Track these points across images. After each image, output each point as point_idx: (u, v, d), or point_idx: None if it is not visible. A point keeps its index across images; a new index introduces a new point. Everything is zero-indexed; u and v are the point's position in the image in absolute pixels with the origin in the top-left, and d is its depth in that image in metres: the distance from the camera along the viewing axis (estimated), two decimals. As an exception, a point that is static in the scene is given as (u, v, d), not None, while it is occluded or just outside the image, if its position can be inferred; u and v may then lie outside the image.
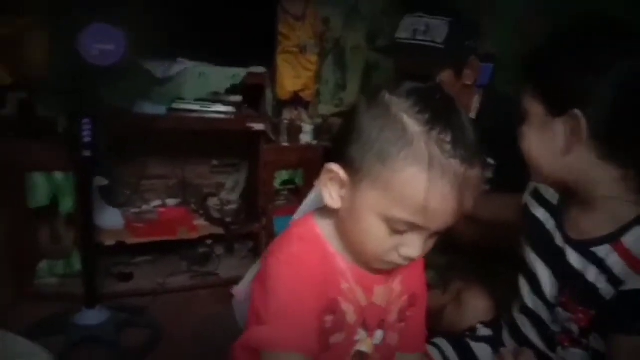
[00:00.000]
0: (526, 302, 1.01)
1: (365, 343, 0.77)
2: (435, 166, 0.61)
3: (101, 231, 2.05)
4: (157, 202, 2.46)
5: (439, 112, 0.63)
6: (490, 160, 1.42)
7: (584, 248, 0.87)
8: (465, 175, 0.63)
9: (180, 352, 1.73)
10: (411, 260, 0.68)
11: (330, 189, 0.70)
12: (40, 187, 1.90)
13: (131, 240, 2.13)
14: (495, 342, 1.10)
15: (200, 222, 2.40)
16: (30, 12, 1.68)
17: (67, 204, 1.96)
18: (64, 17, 1.48)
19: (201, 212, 2.46)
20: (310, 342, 0.69)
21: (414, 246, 0.67)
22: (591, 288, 0.84)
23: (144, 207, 2.41)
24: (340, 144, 0.69)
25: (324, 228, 0.74)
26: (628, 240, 0.81)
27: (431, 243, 0.70)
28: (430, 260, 1.29)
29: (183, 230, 2.27)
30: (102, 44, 1.46)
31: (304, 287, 0.69)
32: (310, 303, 0.69)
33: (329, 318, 0.72)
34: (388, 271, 0.75)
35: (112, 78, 1.54)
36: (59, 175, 1.92)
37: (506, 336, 1.08)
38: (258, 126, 2.20)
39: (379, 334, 0.78)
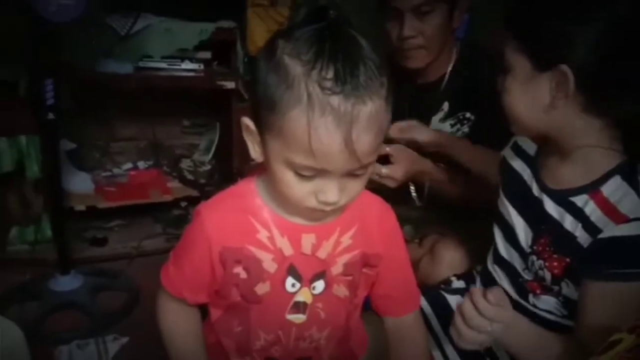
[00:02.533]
0: (500, 251, 1.03)
1: (303, 293, 0.77)
2: (314, 105, 0.60)
3: (71, 196, 2.00)
4: (128, 165, 2.41)
5: (323, 49, 0.61)
6: (468, 115, 1.41)
7: (562, 197, 0.88)
8: (354, 112, 0.60)
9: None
10: (330, 204, 0.68)
11: (250, 142, 0.72)
12: (4, 152, 1.82)
13: (102, 204, 2.09)
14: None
15: (174, 184, 2.36)
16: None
17: (33, 169, 1.89)
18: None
19: (174, 174, 2.42)
20: (193, 290, 0.79)
21: (328, 190, 0.66)
22: (568, 236, 0.86)
23: (115, 170, 2.36)
24: (249, 96, 0.69)
25: (260, 183, 0.77)
26: (606, 189, 0.83)
27: (355, 187, 0.69)
28: (406, 214, 1.31)
29: (156, 193, 2.23)
30: (60, -2, 1.38)
31: (199, 237, 0.75)
32: (199, 253, 0.76)
33: (238, 269, 0.75)
34: (332, 223, 0.76)
35: (72, 35, 1.47)
36: (23, 140, 1.85)
37: (479, 287, 1.10)
38: (229, 84, 2.13)
39: (319, 284, 0.77)
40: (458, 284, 1.17)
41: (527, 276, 0.95)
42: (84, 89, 1.82)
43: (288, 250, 0.75)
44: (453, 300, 1.12)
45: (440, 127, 1.44)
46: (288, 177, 0.67)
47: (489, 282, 1.05)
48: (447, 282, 1.19)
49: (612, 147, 0.83)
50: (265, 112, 0.65)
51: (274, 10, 2.43)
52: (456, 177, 1.33)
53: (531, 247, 0.93)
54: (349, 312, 0.83)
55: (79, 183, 2.10)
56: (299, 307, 0.77)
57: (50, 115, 1.54)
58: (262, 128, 0.67)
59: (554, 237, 0.89)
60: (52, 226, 1.74)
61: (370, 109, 0.62)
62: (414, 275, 0.91)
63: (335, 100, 0.60)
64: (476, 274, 1.16)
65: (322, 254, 0.76)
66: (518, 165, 1.01)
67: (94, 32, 1.53)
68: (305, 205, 0.69)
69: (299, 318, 0.78)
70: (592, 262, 0.82)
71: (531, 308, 0.95)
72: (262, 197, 0.76)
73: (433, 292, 1.14)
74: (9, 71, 1.75)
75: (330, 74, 0.60)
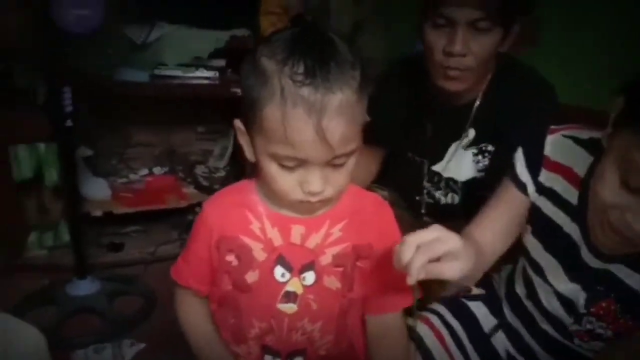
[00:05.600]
0: (539, 296, 0.96)
1: (294, 284, 0.79)
2: (286, 97, 0.65)
3: (88, 202, 2.03)
4: (144, 171, 2.44)
5: (295, 48, 0.67)
6: (490, 147, 1.27)
7: (629, 260, 0.82)
8: (323, 102, 0.65)
9: (173, 319, 1.75)
10: (315, 194, 0.72)
11: (243, 143, 0.77)
12: (24, 159, 1.86)
13: (119, 210, 2.12)
14: (490, 300, 1.10)
15: (189, 190, 2.38)
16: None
17: (51, 176, 1.92)
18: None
19: (189, 180, 2.44)
20: (198, 279, 0.85)
21: (311, 180, 0.70)
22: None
23: (131, 176, 2.39)
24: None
25: (257, 181, 0.82)
26: None
27: (338, 178, 0.73)
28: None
29: (172, 199, 2.26)
30: (78, 9, 1.41)
31: (202, 229, 0.83)
32: (202, 243, 0.83)
33: (230, 257, 0.80)
34: (322, 216, 0.79)
35: (90, 45, 1.50)
36: (41, 147, 1.88)
37: (505, 306, 1.08)
38: (243, 91, 2.16)
39: (309, 275, 0.80)
40: (477, 290, 1.15)
41: (576, 327, 0.90)
42: (100, 97, 1.85)
43: (277, 241, 0.79)
44: (474, 306, 1.10)
45: (460, 156, 1.30)
46: (273, 170, 0.71)
47: (516, 304, 1.02)
48: (467, 290, 1.17)
49: None
50: (248, 111, 0.70)
51: (286, 17, 2.45)
52: None
53: (586, 308, 0.87)
54: (344, 306, 0.83)
55: (96, 189, 2.13)
56: (290, 297, 0.80)
57: (68, 123, 1.58)
58: (249, 127, 0.73)
59: (623, 302, 0.83)
60: (70, 232, 1.76)
61: (339, 99, 0.66)
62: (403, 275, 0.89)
63: (305, 91, 0.65)
64: (494, 280, 1.15)
65: (310, 244, 0.79)
66: (555, 214, 0.92)
67: (111, 41, 1.56)
68: (293, 197, 0.73)
69: (290, 308, 0.80)
70: None
71: (574, 347, 0.92)
72: (258, 193, 0.82)
73: (454, 300, 1.11)
74: (27, 80, 1.79)
75: (301, 69, 0.65)
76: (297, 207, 0.77)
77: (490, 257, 0.99)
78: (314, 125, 0.65)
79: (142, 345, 1.58)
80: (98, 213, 2.06)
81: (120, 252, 2.11)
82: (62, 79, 1.54)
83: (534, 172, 0.94)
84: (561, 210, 0.91)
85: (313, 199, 0.72)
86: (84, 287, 1.72)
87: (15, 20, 1.55)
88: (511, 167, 0.97)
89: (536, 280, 0.96)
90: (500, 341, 1.07)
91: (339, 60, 0.67)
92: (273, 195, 0.78)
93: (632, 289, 0.82)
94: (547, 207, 0.93)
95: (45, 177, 1.92)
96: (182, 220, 2.33)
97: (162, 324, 1.72)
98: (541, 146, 0.93)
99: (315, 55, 0.66)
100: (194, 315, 0.89)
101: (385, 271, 0.83)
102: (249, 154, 0.77)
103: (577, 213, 0.88)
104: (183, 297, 0.90)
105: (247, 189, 0.83)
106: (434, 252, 0.69)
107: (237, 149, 2.55)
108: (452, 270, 0.71)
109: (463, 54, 1.11)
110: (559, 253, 0.91)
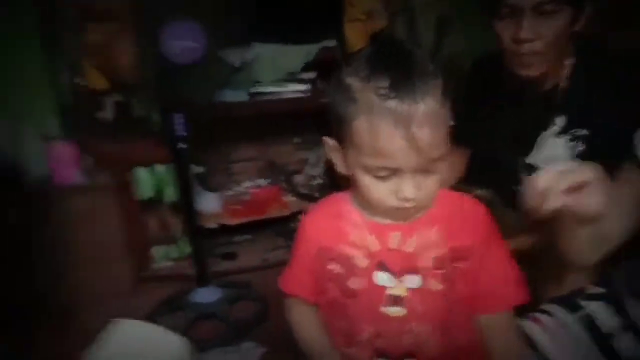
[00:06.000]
0: None
1: (397, 287, 0.81)
2: (375, 111, 0.70)
3: (203, 215, 2.20)
4: (248, 183, 2.59)
5: (378, 64, 0.72)
6: (584, 131, 1.22)
7: None
8: (410, 112, 0.68)
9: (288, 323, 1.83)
10: (409, 200, 0.74)
11: (334, 158, 0.81)
12: (146, 180, 2.07)
13: (231, 221, 2.28)
14: (610, 299, 1.03)
15: (289, 198, 2.50)
16: (115, 18, 1.81)
17: (169, 194, 2.12)
18: (145, 19, 1.58)
19: (289, 189, 2.56)
20: (304, 288, 0.91)
21: (405, 187, 0.74)
22: None
23: (237, 189, 2.55)
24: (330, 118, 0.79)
25: (351, 192, 0.87)
26: None
27: (430, 184, 0.75)
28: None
29: (275, 208, 2.39)
30: (182, 42, 1.55)
31: (302, 240, 0.89)
32: (303, 254, 0.89)
33: (333, 266, 0.84)
34: (417, 221, 0.81)
35: (195, 73, 1.63)
36: (160, 168, 2.08)
37: (632, 312, 1.00)
38: (334, 100, 2.22)
39: (412, 278, 0.81)
40: (594, 289, 1.09)
41: None
42: (206, 119, 2.01)
43: (376, 247, 0.82)
44: (592, 306, 1.02)
45: (552, 144, 1.26)
46: (367, 181, 0.76)
47: None
48: (581, 290, 1.11)
49: None
50: (338, 128, 0.75)
51: (370, 23, 2.48)
52: None
53: None
54: (448, 307, 0.83)
55: (209, 203, 2.30)
56: (395, 300, 0.81)
57: (182, 145, 1.73)
58: (340, 142, 0.78)
59: None
60: (191, 244, 1.92)
61: (424, 108, 0.69)
62: (512, 273, 0.87)
63: (391, 103, 0.69)
64: (615, 277, 1.08)
65: (408, 248, 0.81)
66: None
67: (211, 66, 1.69)
68: (388, 204, 0.76)
69: (397, 311, 0.82)
70: None
71: None
72: (352, 203, 0.86)
73: (568, 300, 1.04)
74: (144, 109, 1.99)
75: (385, 83, 0.69)
76: (392, 213, 0.80)
77: (615, 240, 0.94)
78: (403, 134, 0.69)
79: (264, 349, 1.67)
80: (213, 225, 2.22)
81: (234, 260, 2.26)
82: (173, 106, 1.69)
83: None
84: None
85: (407, 205, 0.76)
86: (207, 295, 1.86)
87: (129, 59, 1.74)
88: (630, 148, 0.93)
89: None
90: (623, 344, 1.01)
91: (420, 72, 0.71)
92: (368, 204, 0.81)
93: None
94: None
95: (164, 195, 2.12)
96: (286, 227, 2.44)
97: (276, 326, 1.81)
98: None
99: (397, 69, 0.71)
100: (304, 322, 0.94)
101: (490, 271, 0.84)
102: (341, 167, 0.81)
103: None
104: (292, 305, 0.96)
105: (341, 200, 0.88)
106: (572, 179, 0.68)
107: (331, 160, 2.62)
108: (589, 202, 0.68)
109: (531, 39, 1.12)
110: None
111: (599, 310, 1.03)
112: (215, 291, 1.88)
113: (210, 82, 1.77)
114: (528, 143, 1.29)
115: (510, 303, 0.87)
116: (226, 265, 2.23)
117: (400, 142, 0.69)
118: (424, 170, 0.74)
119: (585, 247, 0.94)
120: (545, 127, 1.26)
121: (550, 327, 1.01)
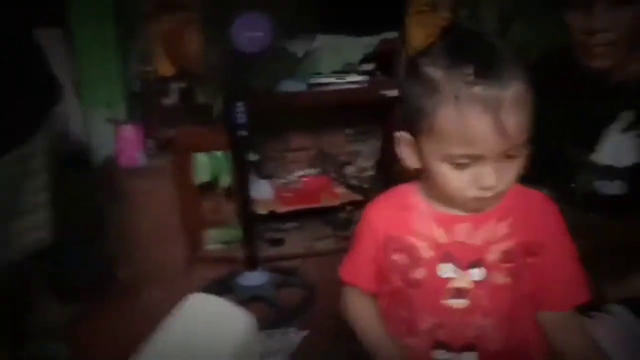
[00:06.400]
0: None
1: (462, 279, 0.81)
2: (461, 98, 0.69)
3: (255, 202, 2.25)
4: (300, 172, 2.63)
5: (460, 53, 0.71)
6: None
7: None
8: (498, 97, 0.69)
9: (333, 309, 1.87)
10: (490, 189, 0.74)
11: (404, 152, 0.82)
12: (204, 165, 2.15)
13: (281, 208, 2.33)
14: None
15: (340, 189, 2.52)
16: (186, 7, 1.87)
17: (225, 179, 2.18)
18: (216, 10, 1.63)
19: (340, 180, 2.58)
20: (365, 278, 0.91)
21: (486, 175, 0.73)
22: None
23: (289, 178, 2.59)
24: (401, 112, 0.80)
25: (419, 184, 0.87)
26: None
27: (511, 171, 0.75)
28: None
29: (326, 198, 2.42)
30: (251, 32, 1.59)
31: (367, 230, 0.90)
32: (368, 244, 0.89)
33: (397, 256, 0.85)
34: (488, 214, 0.81)
35: (260, 62, 1.67)
36: (218, 154, 2.15)
37: None
38: (391, 92, 2.20)
39: (478, 271, 0.80)
40: None
41: None
42: (265, 108, 2.05)
43: (443, 239, 0.82)
44: None
45: (619, 139, 1.23)
46: (446, 171, 0.75)
47: None
48: None
49: None
50: (417, 120, 0.75)
51: (434, 15, 2.45)
52: None
53: None
54: (514, 302, 0.83)
55: (262, 190, 2.35)
56: (459, 292, 0.81)
57: (241, 133, 1.78)
58: (417, 135, 0.77)
59: None
60: (243, 229, 1.98)
61: (512, 92, 0.70)
62: (578, 271, 0.85)
63: (479, 90, 0.69)
64: None
65: (477, 241, 0.81)
66: None
67: (278, 57, 1.73)
68: (467, 194, 0.76)
69: (460, 303, 0.82)
70: None
71: None
72: (420, 195, 0.86)
73: (634, 301, 1.04)
74: (207, 96, 2.05)
75: (470, 70, 0.69)
76: (469, 204, 0.79)
77: None
78: (492, 119, 0.69)
79: (306, 332, 1.72)
80: (264, 211, 2.28)
81: (281, 246, 2.32)
82: (236, 95, 1.74)
83: None
84: None
85: (487, 194, 0.75)
86: (255, 278, 1.91)
87: (197, 48, 1.80)
88: None
89: None
90: None
91: (503, 58, 0.71)
92: (440, 196, 0.81)
93: None
94: None
95: (220, 181, 2.19)
96: (335, 217, 2.47)
97: (321, 313, 1.86)
98: None
99: (481, 56, 0.71)
100: (363, 311, 0.95)
101: (557, 268, 0.83)
102: (412, 161, 0.81)
103: None
104: (351, 295, 0.96)
105: (408, 191, 0.88)
106: None
107: (385, 149, 2.64)
108: None
109: (604, 30, 1.09)
110: None
111: None
112: (262, 275, 1.93)
113: (273, 72, 1.81)
114: (592, 139, 1.25)
115: (575, 301, 0.86)
116: (273, 251, 2.28)
117: (489, 127, 0.69)
118: (506, 156, 0.73)
119: None
120: (611, 121, 1.23)
121: (614, 329, 1.00)
